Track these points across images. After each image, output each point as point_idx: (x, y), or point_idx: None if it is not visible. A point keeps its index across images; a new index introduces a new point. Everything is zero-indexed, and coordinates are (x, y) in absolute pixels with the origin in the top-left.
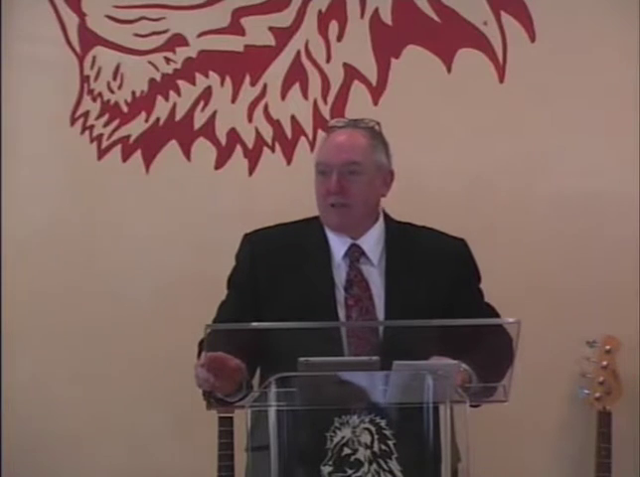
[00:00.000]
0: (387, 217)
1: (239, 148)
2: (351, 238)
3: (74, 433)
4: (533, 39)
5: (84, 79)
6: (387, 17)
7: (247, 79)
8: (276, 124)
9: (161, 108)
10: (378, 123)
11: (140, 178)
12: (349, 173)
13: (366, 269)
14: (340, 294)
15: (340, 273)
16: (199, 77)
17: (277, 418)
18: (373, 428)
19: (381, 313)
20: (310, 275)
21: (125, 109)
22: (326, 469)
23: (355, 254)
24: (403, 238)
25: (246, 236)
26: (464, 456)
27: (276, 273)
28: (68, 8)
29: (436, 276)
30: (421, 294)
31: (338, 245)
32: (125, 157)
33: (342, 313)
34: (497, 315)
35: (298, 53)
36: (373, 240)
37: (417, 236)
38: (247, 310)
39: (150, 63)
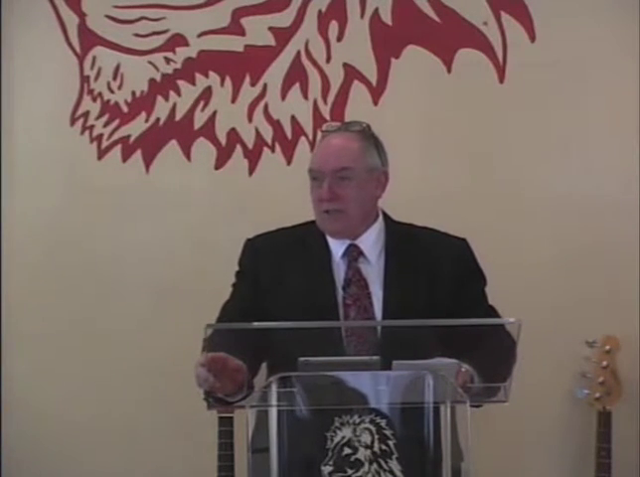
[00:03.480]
0: (386, 217)
1: (239, 148)
2: (349, 238)
3: (73, 433)
4: (533, 39)
5: (84, 79)
6: (387, 17)
7: (247, 79)
8: (276, 124)
9: (161, 108)
10: (368, 125)
11: (140, 178)
12: (340, 179)
13: (364, 268)
14: (338, 293)
15: (339, 273)
16: (199, 77)
17: (278, 418)
18: (373, 428)
19: (379, 312)
20: (311, 276)
21: (125, 109)
22: (326, 469)
23: (353, 254)
24: (403, 238)
25: (249, 241)
26: (466, 456)
27: (279, 276)
28: (68, 8)
29: (437, 276)
30: (421, 293)
31: (336, 246)
32: (125, 157)
33: (341, 312)
34: (498, 317)
35: (298, 53)
36: (371, 240)
37: (418, 235)
38: (250, 312)
39: (150, 63)
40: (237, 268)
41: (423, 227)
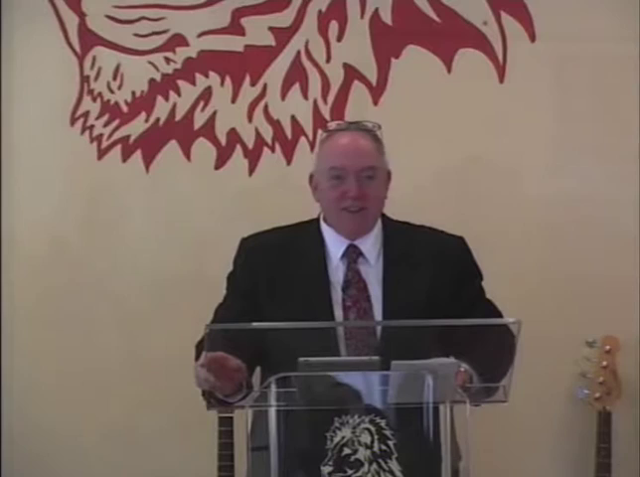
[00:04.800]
0: (384, 216)
1: (239, 148)
2: (349, 238)
3: (73, 433)
4: (533, 39)
5: (84, 79)
6: (387, 17)
7: (247, 79)
8: (276, 124)
9: (161, 108)
10: (379, 125)
11: (140, 178)
12: (366, 178)
13: (364, 270)
14: (337, 295)
15: (338, 274)
16: (199, 77)
17: (277, 418)
18: (373, 428)
19: (378, 314)
20: (306, 277)
21: (125, 109)
22: (326, 469)
23: (353, 255)
24: (401, 238)
25: (244, 240)
26: (464, 456)
27: (273, 277)
28: (68, 8)
29: (435, 275)
30: (420, 294)
31: (335, 247)
32: (125, 157)
33: (340, 314)
34: (498, 312)
35: (298, 53)
36: (370, 241)
37: (415, 234)
38: (245, 314)
39: (150, 63)
40: (231, 269)
41: (420, 225)
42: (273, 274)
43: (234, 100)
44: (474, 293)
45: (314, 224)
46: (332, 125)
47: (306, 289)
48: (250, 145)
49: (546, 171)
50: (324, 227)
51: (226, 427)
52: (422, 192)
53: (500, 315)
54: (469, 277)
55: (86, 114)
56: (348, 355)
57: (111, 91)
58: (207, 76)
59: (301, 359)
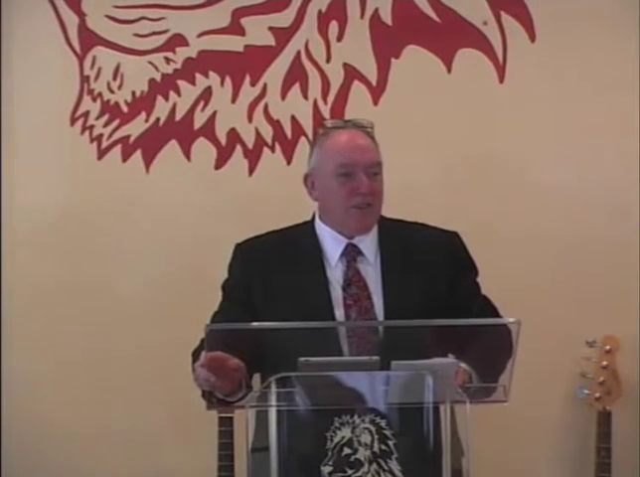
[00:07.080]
0: None
1: (239, 148)
2: (347, 237)
3: (73, 433)
4: (533, 39)
5: (84, 79)
6: (387, 17)
7: (247, 79)
8: (276, 124)
9: (161, 108)
10: (373, 125)
11: (140, 178)
12: (373, 174)
13: (363, 268)
14: (338, 294)
15: (337, 273)
16: (199, 77)
17: (277, 418)
18: (373, 428)
19: (379, 312)
20: (304, 278)
21: (125, 109)
22: (326, 469)
23: (352, 254)
24: (397, 235)
25: (238, 245)
26: (465, 456)
27: (270, 280)
28: (68, 8)
29: (431, 271)
30: (418, 290)
31: (334, 246)
32: (125, 157)
33: (341, 313)
34: (494, 308)
35: (298, 53)
36: (369, 239)
37: (410, 231)
38: (243, 320)
39: (150, 63)
40: (226, 275)
41: (414, 222)
42: (270, 277)
43: (234, 100)
44: (470, 287)
45: (308, 225)
46: (329, 123)
47: (305, 289)
48: (250, 145)
49: (545, 171)
50: (320, 226)
51: (226, 427)
52: (421, 191)
53: (496, 311)
54: (464, 271)
55: (86, 114)
56: (350, 352)
57: (111, 91)
58: (207, 76)
59: (301, 359)
